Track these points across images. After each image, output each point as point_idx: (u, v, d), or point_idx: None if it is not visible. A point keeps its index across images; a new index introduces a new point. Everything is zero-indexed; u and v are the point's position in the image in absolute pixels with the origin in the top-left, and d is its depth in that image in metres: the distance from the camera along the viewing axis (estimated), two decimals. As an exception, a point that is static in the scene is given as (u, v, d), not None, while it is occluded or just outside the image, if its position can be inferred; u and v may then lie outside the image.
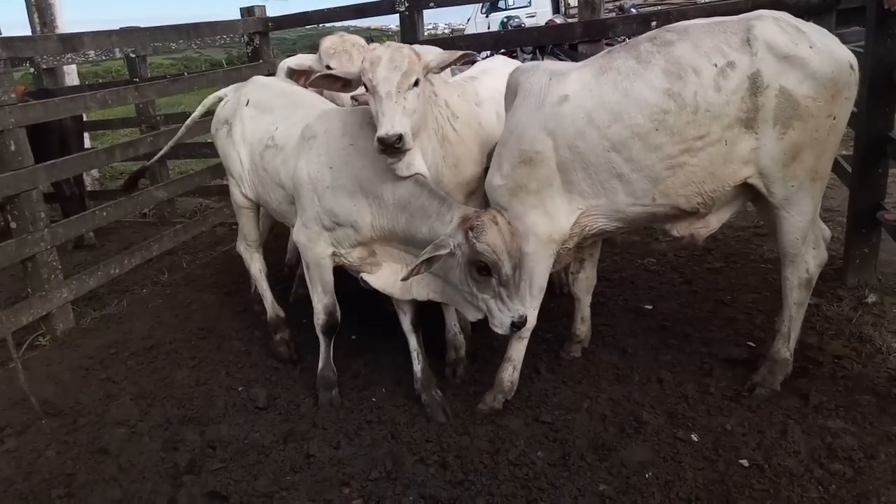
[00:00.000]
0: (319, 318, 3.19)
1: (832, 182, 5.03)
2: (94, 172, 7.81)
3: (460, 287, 2.70)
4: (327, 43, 3.64)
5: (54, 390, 3.51)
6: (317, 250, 3.02)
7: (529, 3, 16.08)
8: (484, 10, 16.81)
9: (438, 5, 5.32)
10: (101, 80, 10.53)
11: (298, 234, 3.07)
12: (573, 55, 6.84)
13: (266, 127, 3.29)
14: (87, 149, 6.20)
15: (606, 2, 5.89)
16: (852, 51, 4.06)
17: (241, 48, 6.66)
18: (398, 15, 5.29)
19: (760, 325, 3.49)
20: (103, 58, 7.60)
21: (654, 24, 4.53)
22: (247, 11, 5.87)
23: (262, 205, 3.59)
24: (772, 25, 2.55)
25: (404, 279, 2.77)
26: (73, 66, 7.98)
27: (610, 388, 3.10)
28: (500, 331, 2.65)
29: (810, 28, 2.61)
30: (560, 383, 3.16)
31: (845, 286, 3.76)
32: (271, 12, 6.08)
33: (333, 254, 3.03)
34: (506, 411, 3.00)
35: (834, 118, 2.56)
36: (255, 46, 5.95)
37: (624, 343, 3.43)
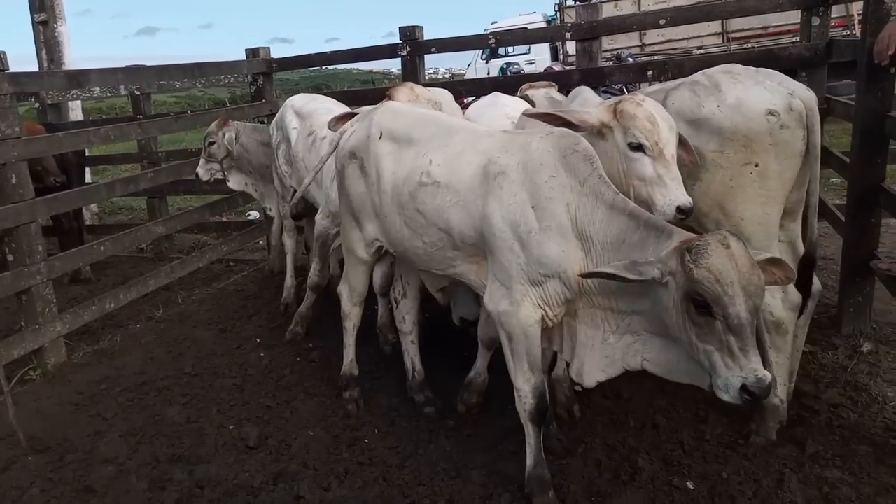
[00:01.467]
0: (527, 402, 2.53)
1: (827, 231, 5.08)
2: (94, 207, 7.84)
3: (679, 337, 2.08)
4: (402, 97, 3.47)
5: (42, 426, 3.46)
6: (522, 315, 2.42)
7: (529, 50, 16.42)
8: (484, 57, 17.16)
9: (440, 51, 5.44)
10: (104, 116, 10.64)
11: (495, 300, 2.49)
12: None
13: (414, 161, 2.73)
14: (88, 183, 6.25)
15: (604, 51, 6.02)
16: (844, 102, 4.18)
17: (244, 88, 6.78)
18: (400, 59, 5.41)
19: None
20: (108, 94, 7.72)
21: (649, 73, 4.64)
22: (252, 53, 5.99)
23: (397, 250, 2.97)
24: (683, 92, 2.76)
25: (583, 276, 2.22)
26: (78, 102, 8.09)
27: (605, 432, 3.07)
28: (724, 396, 1.98)
29: (741, 79, 2.69)
30: (554, 427, 3.13)
31: (840, 334, 3.76)
32: (275, 54, 6.20)
33: (542, 318, 2.45)
34: (499, 455, 2.96)
35: (757, 165, 2.63)
36: (258, 86, 6.05)
37: (619, 387, 3.41)
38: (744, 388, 1.92)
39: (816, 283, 2.98)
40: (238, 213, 7.77)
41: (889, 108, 3.48)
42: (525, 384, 2.51)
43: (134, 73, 5.43)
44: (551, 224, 2.32)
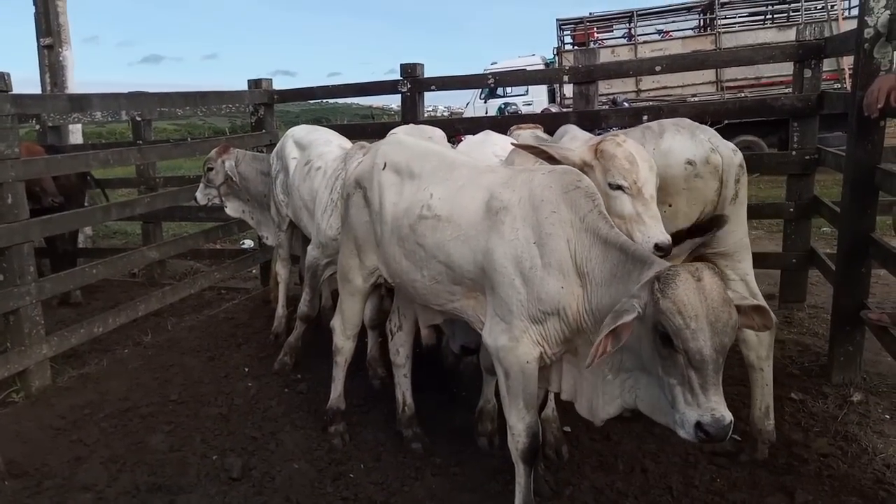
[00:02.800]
0: (520, 441, 2.49)
1: (818, 279, 5.13)
2: (88, 230, 7.83)
3: (651, 370, 2.06)
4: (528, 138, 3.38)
5: (22, 450, 3.39)
6: (521, 352, 2.39)
7: (527, 91, 16.67)
8: (483, 96, 17.39)
9: (439, 88, 5.53)
10: (103, 141, 10.71)
11: (493, 336, 2.46)
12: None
13: (415, 195, 2.74)
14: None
15: (600, 95, 6.14)
16: (834, 153, 4.26)
17: (244, 118, 6.84)
18: (400, 95, 5.49)
19: (746, 417, 3.45)
20: (109, 119, 7.78)
21: (644, 118, 4.71)
22: (254, 83, 6.07)
23: (395, 282, 2.98)
24: (636, 133, 2.97)
25: (588, 366, 2.08)
26: (79, 126, 8.14)
27: (593, 475, 3.03)
28: (680, 432, 1.94)
29: (681, 131, 2.91)
30: (542, 468, 3.09)
31: (830, 383, 3.76)
32: (277, 85, 6.28)
33: (541, 356, 2.42)
34: (486, 494, 2.92)
35: (669, 205, 2.85)
36: (259, 117, 6.11)
37: (608, 430, 3.38)
38: (699, 425, 1.88)
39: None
40: (232, 241, 7.77)
41: (878, 160, 3.55)
42: (519, 422, 2.47)
43: (136, 98, 5.48)
44: (552, 260, 2.31)
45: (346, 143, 4.37)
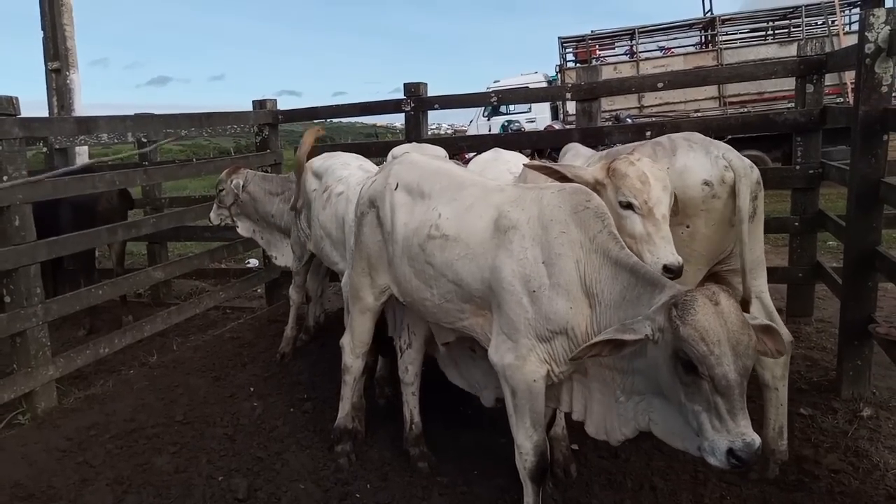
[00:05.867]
0: (528, 459, 2.48)
1: (825, 293, 5.10)
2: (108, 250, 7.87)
3: (671, 396, 2.01)
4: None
5: (28, 472, 3.39)
6: (527, 371, 2.38)
7: (530, 108, 16.74)
8: (486, 114, 17.48)
9: (443, 107, 5.57)
10: (110, 162, 10.80)
11: (500, 353, 2.44)
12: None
13: (425, 214, 2.74)
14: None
15: (603, 111, 6.16)
16: (838, 167, 4.26)
17: (249, 138, 6.89)
18: (403, 114, 5.53)
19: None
20: (115, 141, 7.84)
21: (648, 133, 4.73)
22: (259, 104, 6.12)
23: (406, 300, 2.96)
24: (647, 149, 2.93)
25: (573, 359, 2.21)
26: (85, 148, 8.21)
27: (602, 493, 3.00)
28: (711, 460, 1.89)
29: (694, 148, 2.88)
30: (550, 487, 3.07)
31: (840, 398, 3.73)
32: (283, 105, 6.33)
33: (548, 374, 2.40)
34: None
35: (687, 226, 2.82)
36: (263, 137, 6.16)
37: (617, 447, 3.36)
38: (731, 451, 1.84)
39: (786, 334, 2.99)
40: (237, 260, 7.80)
41: (882, 174, 3.55)
42: (527, 441, 2.46)
43: (142, 121, 5.52)
44: (560, 280, 2.29)
45: (369, 165, 4.29)
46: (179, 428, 3.84)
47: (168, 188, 10.79)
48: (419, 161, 3.05)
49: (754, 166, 2.87)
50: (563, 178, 2.66)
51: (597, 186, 2.62)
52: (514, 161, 3.84)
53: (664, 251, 2.47)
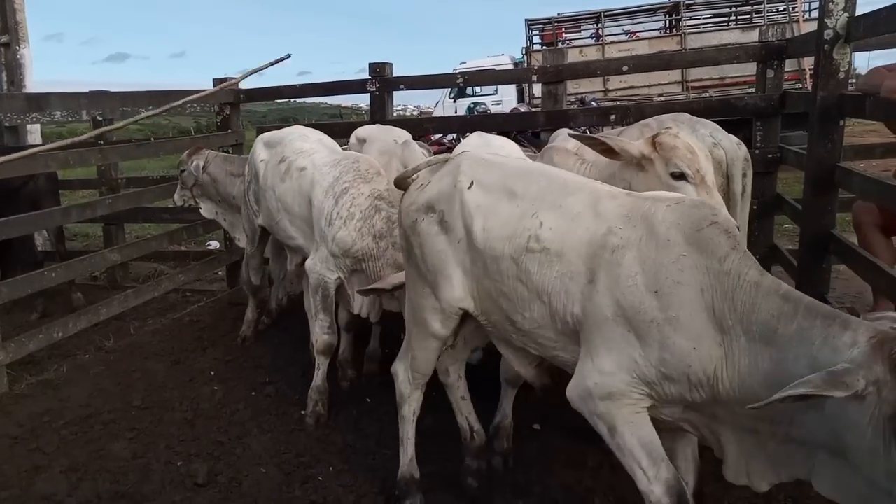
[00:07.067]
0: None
1: (780, 274, 5.21)
2: (46, 233, 7.63)
3: (865, 463, 1.54)
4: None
5: (-23, 460, 3.29)
6: (624, 405, 1.98)
7: (496, 91, 16.73)
8: (452, 95, 17.41)
9: (408, 88, 5.50)
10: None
11: (589, 383, 2.03)
12: (536, 142, 7.11)
13: (519, 221, 2.26)
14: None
15: (568, 94, 6.18)
16: (796, 152, 4.34)
17: (210, 117, 6.73)
18: (369, 95, 5.45)
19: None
20: (69, 119, 7.59)
21: (612, 117, 4.76)
22: (220, 82, 5.96)
23: (486, 320, 2.46)
24: (633, 130, 3.15)
25: (751, 407, 1.64)
26: (37, 126, 7.93)
27: (562, 472, 3.04)
28: None
29: (681, 126, 2.94)
30: (512, 467, 3.09)
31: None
32: (244, 84, 6.18)
33: (651, 408, 2.01)
34: (456, 495, 2.91)
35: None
36: (224, 116, 6.01)
37: (578, 427, 3.39)
38: None
39: None
40: (198, 242, 7.64)
41: (839, 159, 3.62)
42: (654, 483, 1.97)
43: (97, 98, 5.34)
44: (680, 314, 1.87)
45: (328, 140, 4.11)
46: (137, 413, 3.77)
47: (126, 168, 10.48)
48: (492, 157, 2.59)
49: (742, 144, 2.90)
50: (607, 150, 2.69)
51: (643, 160, 2.64)
52: (505, 146, 3.55)
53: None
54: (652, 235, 1.98)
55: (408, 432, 2.83)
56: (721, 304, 1.82)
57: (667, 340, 1.87)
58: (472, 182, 2.41)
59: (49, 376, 4.34)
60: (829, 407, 1.55)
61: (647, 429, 1.98)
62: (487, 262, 2.31)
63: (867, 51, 6.28)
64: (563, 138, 3.47)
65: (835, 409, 1.55)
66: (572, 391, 2.10)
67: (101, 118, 6.25)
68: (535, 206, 2.25)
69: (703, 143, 2.80)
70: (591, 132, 3.96)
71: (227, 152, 5.67)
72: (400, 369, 2.79)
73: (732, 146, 2.83)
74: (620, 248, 2.01)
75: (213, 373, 4.29)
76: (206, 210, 5.14)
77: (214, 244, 7.54)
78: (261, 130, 5.23)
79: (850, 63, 3.55)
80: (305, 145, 3.93)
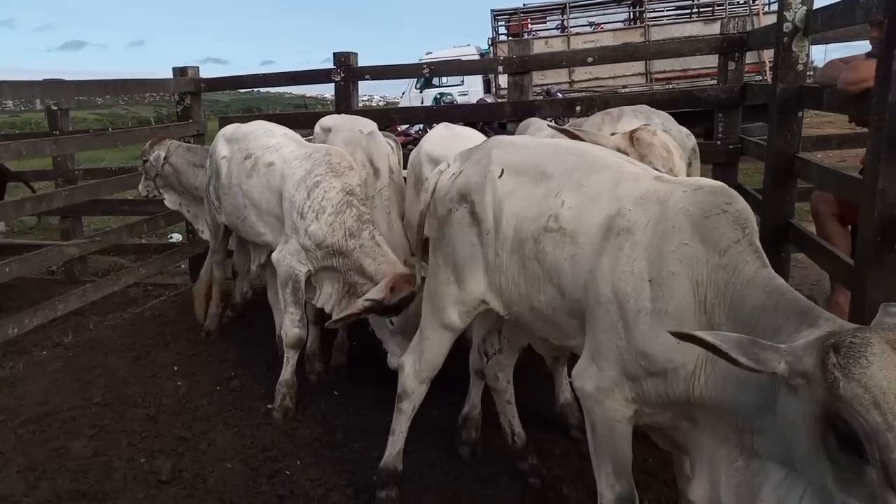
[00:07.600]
0: None
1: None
2: (1, 226, 7.40)
3: (807, 472, 1.45)
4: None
5: (-72, 461, 3.18)
6: (609, 407, 1.95)
7: (462, 81, 16.69)
8: (418, 86, 17.32)
9: (374, 78, 5.45)
10: (17, 132, 10.16)
11: (582, 378, 2.02)
12: (501, 132, 7.11)
13: (543, 200, 2.18)
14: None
15: (534, 85, 6.20)
16: (756, 143, 4.42)
17: (170, 107, 6.58)
18: (334, 84, 5.38)
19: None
20: (22, 109, 7.35)
21: (577, 108, 4.78)
22: (180, 71, 5.83)
23: (510, 312, 2.37)
24: (596, 118, 3.22)
25: (674, 334, 1.55)
26: (-12, 115, 7.67)
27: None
28: None
29: (639, 116, 3.13)
30: (479, 455, 3.10)
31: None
32: (208, 73, 6.06)
33: (635, 414, 1.95)
34: (423, 485, 2.91)
35: None
36: (185, 106, 5.88)
37: (545, 416, 3.43)
38: None
39: None
40: (159, 235, 7.49)
41: (797, 150, 3.70)
42: (607, 490, 2.02)
43: (51, 87, 5.16)
44: (668, 307, 1.79)
45: (292, 134, 4.05)
46: (97, 410, 3.68)
47: (83, 159, 10.22)
48: (523, 140, 2.54)
49: (691, 135, 3.02)
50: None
51: None
52: (472, 137, 3.50)
53: None
54: (660, 220, 1.88)
55: (402, 426, 2.78)
56: (713, 300, 1.74)
57: (650, 333, 1.80)
58: (503, 169, 2.34)
59: (4, 374, 4.21)
60: (779, 408, 1.49)
61: (623, 443, 1.99)
62: (514, 247, 2.24)
63: (824, 43, 6.45)
64: (535, 128, 3.52)
65: (780, 410, 1.49)
66: (573, 378, 2.08)
67: (55, 107, 6.08)
68: (561, 185, 2.17)
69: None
70: (557, 123, 3.99)
71: (190, 143, 5.55)
72: (408, 363, 2.71)
73: (682, 136, 2.97)
74: (625, 232, 1.92)
75: (176, 368, 4.21)
76: (170, 201, 5.05)
77: (177, 237, 7.38)
78: (223, 121, 5.15)
79: (808, 55, 3.62)
80: (272, 140, 3.88)
